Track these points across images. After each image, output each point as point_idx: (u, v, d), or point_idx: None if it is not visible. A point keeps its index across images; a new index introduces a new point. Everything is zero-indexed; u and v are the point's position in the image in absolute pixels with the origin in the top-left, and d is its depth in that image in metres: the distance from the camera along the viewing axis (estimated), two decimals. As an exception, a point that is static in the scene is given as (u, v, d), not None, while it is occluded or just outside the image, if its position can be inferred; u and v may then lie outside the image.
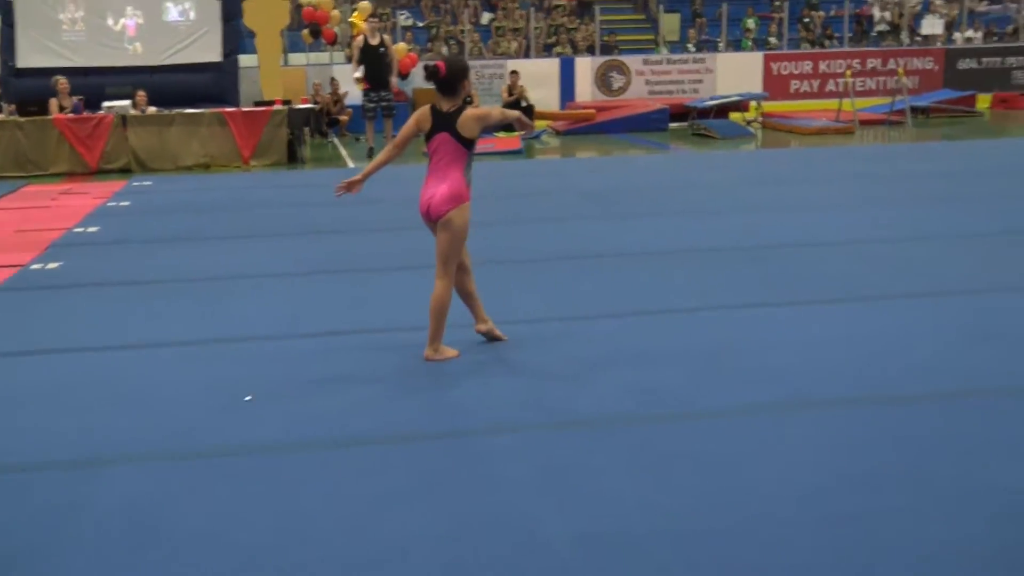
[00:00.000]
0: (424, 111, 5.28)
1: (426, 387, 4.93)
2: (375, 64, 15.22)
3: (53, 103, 14.79)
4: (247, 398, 4.79)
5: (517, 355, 5.36)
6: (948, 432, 4.18)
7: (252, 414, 4.61)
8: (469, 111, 5.18)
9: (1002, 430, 4.18)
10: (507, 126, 17.98)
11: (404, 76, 18.73)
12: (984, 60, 23.22)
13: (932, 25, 23.99)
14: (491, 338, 5.53)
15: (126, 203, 11.15)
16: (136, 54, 17.79)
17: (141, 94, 15.23)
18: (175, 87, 16.68)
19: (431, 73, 5.16)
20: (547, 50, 22.64)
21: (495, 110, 5.40)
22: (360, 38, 15.41)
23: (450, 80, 5.16)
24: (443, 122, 5.19)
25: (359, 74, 15.19)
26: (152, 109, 15.06)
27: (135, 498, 3.77)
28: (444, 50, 22.06)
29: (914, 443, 4.07)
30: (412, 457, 4.10)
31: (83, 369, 5.37)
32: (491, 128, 5.45)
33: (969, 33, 24.24)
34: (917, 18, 24.67)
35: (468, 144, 5.20)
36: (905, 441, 4.08)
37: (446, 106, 5.19)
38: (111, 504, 3.73)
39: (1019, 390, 4.68)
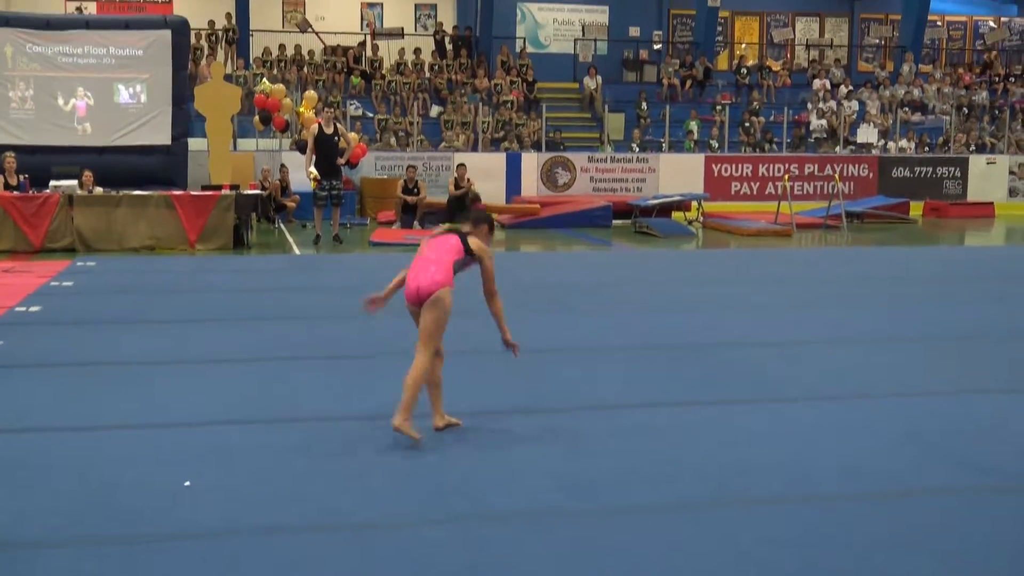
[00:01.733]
0: (442, 228, 5.83)
1: (359, 474, 4.99)
2: (329, 152, 15.41)
3: (-1, 180, 14.79)
4: (186, 483, 4.83)
5: (449, 446, 5.44)
6: (868, 531, 4.33)
7: (191, 499, 4.65)
8: (486, 246, 5.72)
9: (919, 528, 4.34)
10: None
11: (354, 165, 18.94)
12: (916, 169, 24.01)
13: (867, 134, 24.80)
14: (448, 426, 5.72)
15: (69, 283, 11.12)
16: (85, 134, 17.89)
17: (88, 174, 15.27)
18: (123, 168, 16.78)
19: (474, 198, 5.62)
20: (495, 144, 23.03)
21: (492, 265, 5.74)
22: (315, 127, 15.62)
23: (481, 216, 5.85)
24: (458, 231, 5.73)
25: (313, 171, 15.34)
26: (99, 190, 15.08)
27: (72, 581, 3.80)
28: (393, 141, 22.36)
29: (835, 541, 4.21)
30: (345, 546, 4.16)
31: (19, 449, 5.37)
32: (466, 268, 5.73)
33: (903, 143, 25.08)
34: (853, 127, 25.49)
35: (469, 253, 5.64)
36: (827, 539, 4.22)
37: (465, 228, 5.76)
38: (47, 586, 3.75)
39: (937, 490, 4.86)
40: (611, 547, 4.14)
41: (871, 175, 23.62)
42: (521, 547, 4.14)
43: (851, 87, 27.26)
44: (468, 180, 18.80)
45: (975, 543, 4.23)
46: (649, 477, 4.99)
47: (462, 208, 18.66)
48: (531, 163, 22.05)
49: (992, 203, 23.27)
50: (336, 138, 15.55)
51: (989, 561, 4.06)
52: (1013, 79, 29.54)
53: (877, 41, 31.09)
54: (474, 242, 5.67)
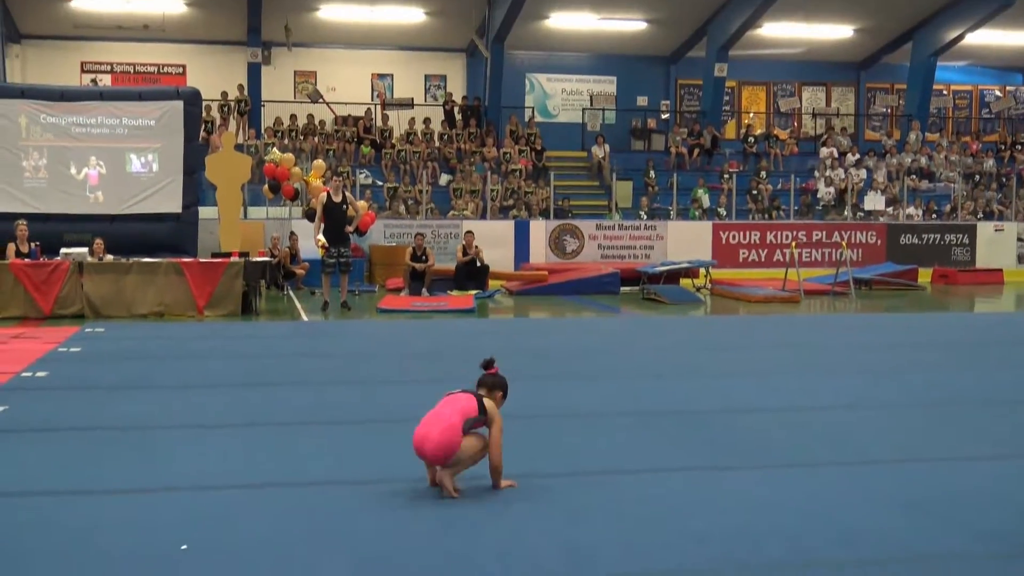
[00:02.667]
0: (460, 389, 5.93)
1: (359, 540, 4.96)
2: (337, 220, 15.54)
3: (11, 247, 14.92)
4: (182, 547, 4.81)
5: (452, 510, 5.42)
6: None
7: (188, 563, 4.63)
8: (497, 414, 5.79)
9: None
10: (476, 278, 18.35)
11: (363, 233, 19.08)
12: (925, 236, 24.07)
13: (875, 201, 24.91)
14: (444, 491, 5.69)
15: (77, 349, 11.18)
16: (97, 203, 18.09)
17: (99, 242, 15.42)
18: (134, 236, 16.95)
19: (487, 364, 6.00)
20: (503, 212, 23.19)
21: (499, 435, 5.76)
22: (323, 195, 15.77)
23: (497, 381, 5.96)
24: (476, 387, 5.89)
25: (322, 239, 15.48)
26: (109, 257, 15.22)
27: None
28: (402, 209, 22.53)
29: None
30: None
31: (20, 514, 5.36)
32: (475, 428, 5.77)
33: (910, 210, 25.16)
34: (860, 194, 25.61)
35: (483, 413, 5.71)
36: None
37: (481, 391, 5.87)
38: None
39: (940, 556, 4.81)
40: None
41: (879, 242, 23.68)
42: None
43: (858, 155, 27.44)
44: (476, 247, 18.93)
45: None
46: (651, 544, 4.95)
47: (470, 276, 18.78)
48: (539, 231, 22.18)
49: (1001, 270, 23.29)
50: (345, 206, 15.68)
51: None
52: (1019, 147, 29.71)
53: (883, 110, 31.38)
54: (489, 404, 5.77)
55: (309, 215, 18.24)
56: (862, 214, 25.00)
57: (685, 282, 20.17)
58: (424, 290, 18.18)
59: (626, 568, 4.65)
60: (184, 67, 27.54)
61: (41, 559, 4.70)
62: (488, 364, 5.97)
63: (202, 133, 21.60)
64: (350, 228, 15.91)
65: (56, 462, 6.41)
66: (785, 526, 5.19)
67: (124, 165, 18.34)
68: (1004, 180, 27.21)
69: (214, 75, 26.20)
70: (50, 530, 5.12)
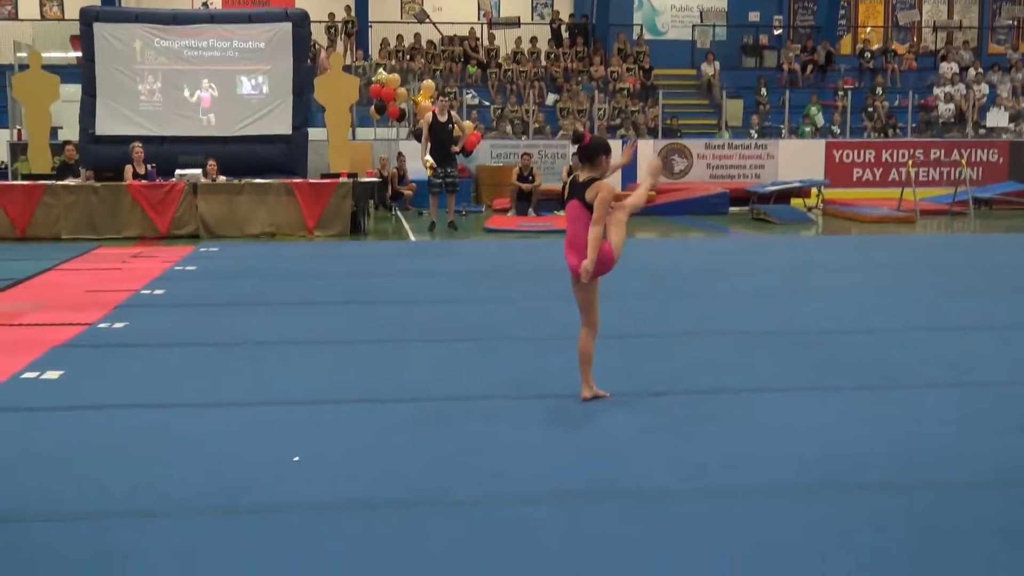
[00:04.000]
0: (568, 180, 5.81)
1: (465, 453, 5.03)
2: (444, 140, 15.56)
3: (128, 170, 15.30)
4: (295, 459, 4.94)
5: (558, 424, 5.45)
6: (981, 520, 4.20)
7: (298, 473, 4.76)
8: (601, 183, 5.64)
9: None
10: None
11: (469, 153, 19.06)
12: (1051, 154, 23.09)
13: (998, 118, 23.95)
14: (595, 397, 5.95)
15: (192, 267, 11.47)
16: (210, 125, 18.36)
17: (212, 163, 15.71)
18: (246, 157, 17.18)
19: (577, 138, 5.74)
20: (611, 132, 22.92)
21: (606, 196, 5.61)
22: (429, 115, 15.78)
23: (589, 151, 5.68)
24: (576, 190, 5.70)
25: (429, 159, 15.49)
26: (222, 178, 15.50)
27: (185, 548, 3.93)
28: (508, 129, 22.45)
29: (946, 529, 4.10)
30: (448, 522, 4.20)
31: (142, 424, 5.57)
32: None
33: (1036, 126, 24.16)
34: (983, 110, 24.66)
35: (591, 208, 5.60)
36: (937, 527, 4.12)
37: (582, 176, 5.70)
38: (160, 553, 3.89)
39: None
40: (717, 529, 4.11)
41: (1001, 160, 22.81)
42: (626, 526, 4.13)
43: (981, 70, 26.37)
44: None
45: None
46: (759, 461, 4.92)
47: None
48: (647, 150, 21.85)
49: None
50: (451, 126, 15.68)
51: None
52: None
53: (1010, 22, 29.99)
54: (591, 192, 5.61)
55: (417, 135, 18.28)
56: (984, 131, 24.08)
57: (796, 202, 19.76)
58: (531, 210, 18.15)
59: (734, 483, 4.63)
60: (293, -12, 27.64)
61: (157, 464, 4.87)
62: (578, 137, 5.75)
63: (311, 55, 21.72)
64: (456, 148, 15.92)
65: (173, 376, 6.62)
66: (896, 447, 5.11)
67: (235, 87, 18.54)
68: None
69: (322, -4, 26.27)
70: (167, 438, 5.30)
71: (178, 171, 15.31)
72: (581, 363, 5.89)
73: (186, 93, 18.46)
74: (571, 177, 5.79)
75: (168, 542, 3.99)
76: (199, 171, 15.37)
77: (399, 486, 4.61)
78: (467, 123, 18.15)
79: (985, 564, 3.80)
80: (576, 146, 5.74)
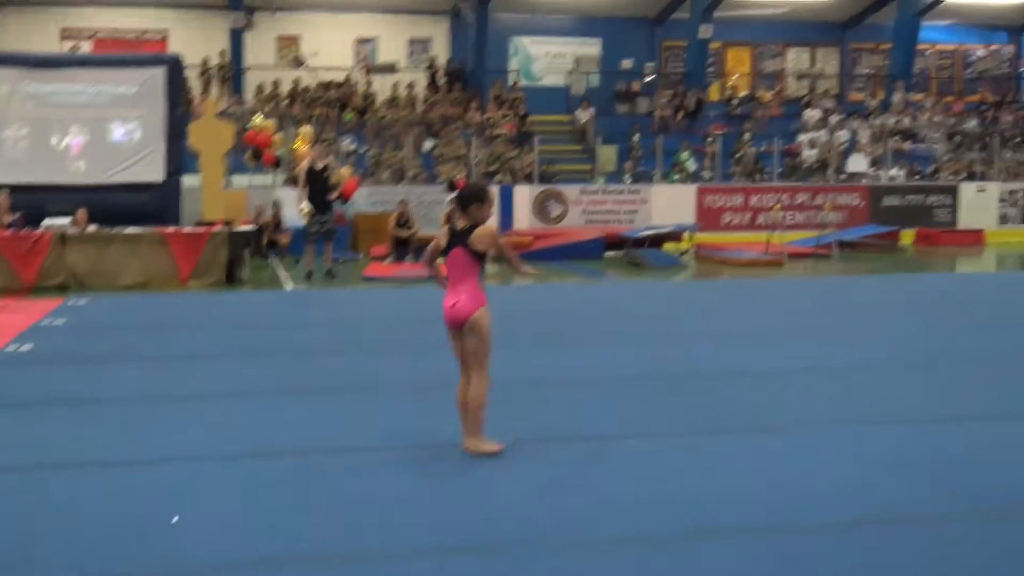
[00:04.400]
0: (444, 231, 5.89)
1: (347, 507, 5.02)
2: (321, 187, 15.50)
3: (-8, 219, 14.86)
4: (174, 519, 4.86)
5: (441, 476, 5.47)
6: (859, 558, 4.35)
7: (179, 534, 4.68)
8: (482, 228, 5.77)
9: (913, 554, 4.37)
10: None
11: (346, 200, 19.02)
12: (907, 197, 24.12)
13: (858, 163, 24.95)
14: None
15: (62, 321, 11.16)
16: (79, 172, 17.95)
17: (82, 212, 15.34)
18: (117, 206, 16.82)
19: (451, 186, 5.96)
20: (488, 177, 23.14)
21: (503, 239, 5.91)
22: (306, 162, 15.72)
23: (461, 200, 5.80)
24: (457, 238, 5.79)
25: (305, 207, 15.41)
26: (93, 227, 15.15)
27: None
28: (386, 176, 22.48)
29: (826, 570, 4.24)
30: (334, 581, 4.20)
31: (11, 487, 5.40)
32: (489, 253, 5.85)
33: (893, 171, 25.21)
34: (844, 156, 25.64)
35: (481, 257, 5.80)
36: (817, 569, 4.26)
37: (461, 223, 5.80)
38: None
39: (929, 516, 4.89)
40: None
41: (862, 204, 23.73)
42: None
43: (842, 116, 27.45)
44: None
45: (971, 568, 4.26)
46: (636, 507, 5.02)
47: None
48: (524, 196, 22.16)
49: (982, 230, 23.38)
50: (327, 173, 15.64)
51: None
52: (1002, 107, 29.75)
53: (868, 70, 31.34)
54: (476, 237, 5.75)
55: (294, 181, 18.18)
56: (845, 176, 25.04)
57: (669, 246, 20.22)
58: (409, 257, 18.19)
59: (615, 531, 4.71)
60: (166, 32, 27.33)
61: (33, 530, 4.73)
62: (452, 185, 5.93)
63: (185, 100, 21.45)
64: (334, 195, 15.89)
65: (44, 436, 6.43)
66: (773, 488, 5.26)
67: (106, 134, 18.18)
68: (986, 140, 27.27)
69: (196, 41, 26.00)
70: (39, 501, 5.15)
71: (46, 220, 14.92)
72: (472, 414, 5.85)
73: (54, 139, 18.03)
74: (449, 225, 5.88)
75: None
76: (68, 220, 14.99)
77: (281, 543, 4.58)
78: (345, 169, 18.14)
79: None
80: (452, 191, 5.91)
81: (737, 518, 4.90)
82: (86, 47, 26.36)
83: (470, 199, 5.81)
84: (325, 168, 15.61)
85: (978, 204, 24.49)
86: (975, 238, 22.94)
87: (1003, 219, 24.71)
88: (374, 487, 5.36)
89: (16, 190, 16.16)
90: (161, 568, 4.32)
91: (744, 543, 4.59)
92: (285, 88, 25.59)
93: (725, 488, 5.32)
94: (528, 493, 5.25)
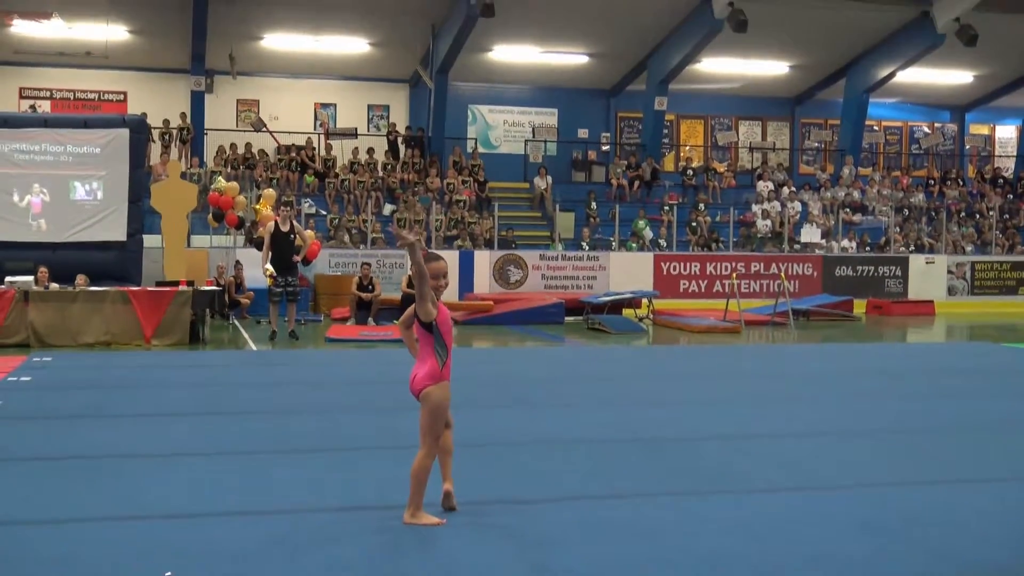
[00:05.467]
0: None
1: (335, 566, 5.06)
2: (285, 250, 15.57)
3: (-47, 276, 14.75)
4: (167, 574, 4.88)
5: (418, 536, 5.52)
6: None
7: (172, 589, 4.70)
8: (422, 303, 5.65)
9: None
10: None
11: (309, 262, 19.10)
12: (859, 268, 24.67)
13: (810, 234, 25.48)
14: (446, 505, 5.93)
15: (27, 378, 11.09)
16: (40, 231, 17.89)
17: (43, 270, 15.29)
18: (78, 264, 16.74)
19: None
20: (447, 242, 23.34)
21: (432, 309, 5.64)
22: (271, 224, 15.80)
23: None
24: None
25: (270, 268, 15.46)
26: (55, 285, 15.09)
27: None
28: (347, 239, 22.60)
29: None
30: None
31: (-4, 543, 5.39)
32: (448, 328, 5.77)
33: (845, 243, 25.76)
34: (796, 227, 26.17)
35: (429, 328, 5.68)
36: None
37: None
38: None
39: (899, 578, 5.04)
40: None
41: (815, 274, 24.21)
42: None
43: (793, 188, 28.05)
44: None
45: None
46: (613, 567, 5.09)
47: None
48: (483, 261, 22.37)
49: (932, 301, 23.92)
50: (292, 235, 15.73)
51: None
52: (948, 182, 30.56)
53: (817, 144, 32.09)
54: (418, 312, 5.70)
55: (257, 243, 18.23)
56: (798, 246, 25.55)
57: (628, 312, 20.46)
58: (371, 319, 18.25)
59: (600, 590, 4.80)
60: (125, 94, 27.40)
61: (22, 586, 4.74)
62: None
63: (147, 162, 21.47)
64: (298, 257, 15.96)
65: (20, 492, 6.41)
66: (748, 551, 5.38)
67: (68, 193, 18.17)
68: (933, 214, 27.99)
69: (156, 102, 26.09)
70: (22, 556, 5.14)
71: (8, 278, 14.83)
72: (412, 484, 5.70)
73: (15, 197, 17.98)
74: (407, 304, 5.94)
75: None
76: (31, 278, 14.92)
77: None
78: (308, 232, 18.23)
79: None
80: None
81: None
82: (45, 107, 26.34)
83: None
84: (290, 231, 15.69)
85: (927, 275, 25.10)
86: (925, 309, 23.46)
87: (951, 291, 25.31)
88: (355, 546, 5.40)
89: (-25, 247, 16.07)
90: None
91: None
92: (243, 151, 25.68)
93: (705, 548, 5.40)
94: (505, 554, 5.31)
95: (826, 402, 10.39)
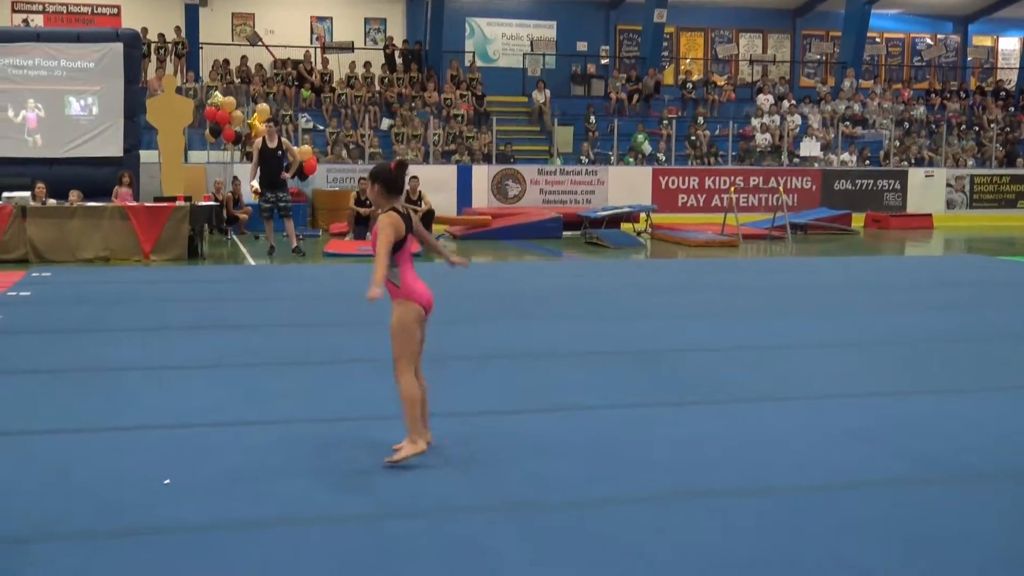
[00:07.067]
0: (394, 217, 5.30)
1: (331, 472, 5.17)
2: (272, 166, 15.53)
3: (-51, 192, 14.75)
4: (165, 481, 4.99)
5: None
6: (821, 520, 4.60)
7: (171, 496, 4.81)
8: (381, 217, 5.35)
9: (869, 516, 4.62)
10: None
11: (306, 177, 19.06)
12: (858, 182, 24.60)
13: (810, 147, 25.36)
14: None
15: (27, 293, 11.16)
16: (36, 146, 17.85)
17: (41, 186, 15.28)
18: (74, 180, 16.72)
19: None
20: (446, 157, 23.26)
21: (384, 233, 5.30)
22: (258, 140, 15.75)
23: (370, 176, 5.49)
24: (409, 224, 5.39)
25: (255, 184, 15.46)
26: (52, 201, 15.09)
27: (71, 573, 3.96)
28: (344, 154, 22.53)
29: (791, 529, 4.48)
30: (322, 537, 4.35)
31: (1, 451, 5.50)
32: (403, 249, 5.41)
33: (844, 156, 25.66)
34: (796, 140, 26.05)
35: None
36: (783, 527, 4.49)
37: (403, 209, 5.39)
38: (41, 577, 3.92)
39: (885, 481, 5.15)
40: (583, 536, 4.37)
41: (814, 187, 24.16)
42: (493, 537, 4.36)
43: (794, 102, 27.85)
44: (420, 192, 18.98)
45: (922, 529, 4.51)
46: (613, 473, 5.22)
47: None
48: (482, 175, 22.31)
49: (931, 215, 23.92)
50: (280, 151, 15.65)
51: (935, 546, 4.34)
52: (948, 95, 30.33)
53: (818, 57, 31.77)
54: (415, 225, 5.44)
55: (252, 158, 18.18)
56: (797, 160, 25.45)
57: (626, 227, 20.48)
58: (368, 234, 18.25)
59: (589, 495, 4.92)
60: (119, 8, 27.01)
61: (24, 491, 4.84)
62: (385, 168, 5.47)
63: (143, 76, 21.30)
64: (287, 174, 15.93)
65: (25, 403, 6.52)
66: (738, 456, 5.50)
67: (63, 108, 18.07)
68: (934, 127, 27.83)
69: (149, 17, 25.76)
70: (30, 464, 5.26)
71: (5, 194, 14.82)
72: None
73: (10, 113, 17.90)
74: (400, 213, 5.34)
75: (51, 567, 4.02)
76: (28, 194, 14.92)
77: (272, 505, 4.73)
78: (305, 147, 18.16)
79: (826, 560, 4.18)
80: (390, 178, 5.43)
81: (712, 481, 5.13)
82: (38, 21, 26.03)
83: (377, 178, 5.44)
84: (278, 147, 15.62)
85: (926, 189, 25.05)
86: (923, 222, 23.46)
87: (950, 204, 25.28)
88: (356, 454, 5.51)
89: (-30, 163, 16.04)
90: (158, 523, 4.45)
91: (721, 503, 4.81)
92: (240, 65, 25.46)
93: (698, 454, 5.54)
94: (505, 460, 5.42)
95: (820, 315, 10.48)
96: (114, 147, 18.02)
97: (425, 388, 5.46)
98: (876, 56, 31.94)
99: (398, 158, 5.59)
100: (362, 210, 18.38)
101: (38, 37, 18.71)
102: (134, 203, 15.56)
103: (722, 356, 8.22)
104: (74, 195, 15.55)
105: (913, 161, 26.16)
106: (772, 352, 8.45)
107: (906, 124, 27.79)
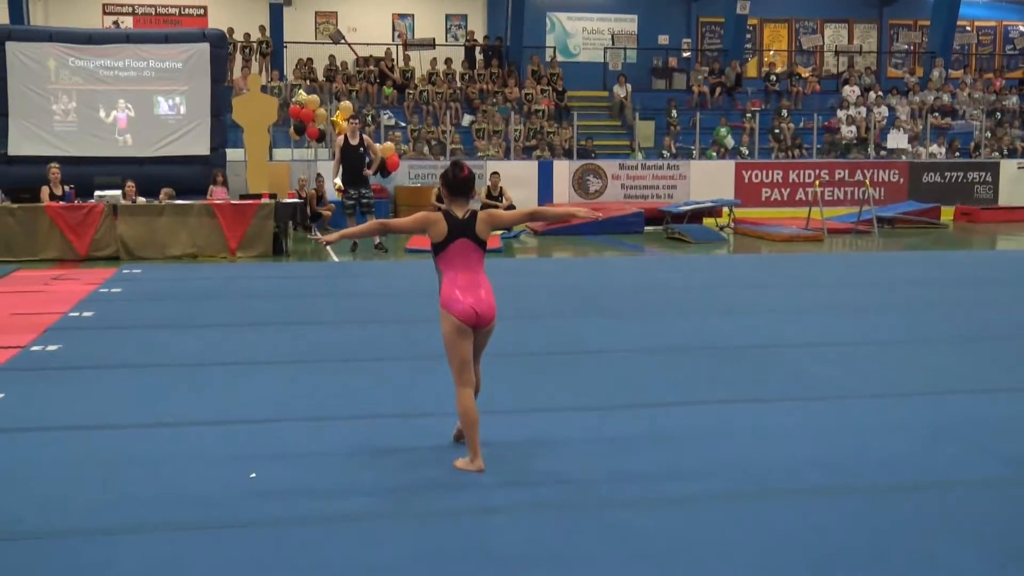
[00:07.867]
0: (434, 215, 5.27)
1: (414, 466, 5.20)
2: (354, 163, 15.72)
3: (45, 191, 15.14)
4: (251, 475, 5.06)
5: (504, 444, 5.64)
6: (907, 519, 4.50)
7: (258, 489, 4.88)
8: (491, 211, 5.42)
9: (956, 516, 4.51)
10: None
11: (388, 174, 19.20)
12: (947, 174, 24.07)
13: (897, 139, 24.86)
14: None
15: (118, 289, 11.42)
16: (126, 145, 18.24)
17: (131, 184, 15.62)
18: (163, 178, 17.06)
19: (456, 170, 5.28)
20: (526, 152, 23.26)
21: (503, 214, 5.56)
22: (341, 138, 15.93)
23: (470, 184, 5.29)
24: (462, 228, 5.21)
25: (338, 182, 15.66)
26: (142, 199, 15.43)
27: (159, 564, 4.05)
28: (426, 150, 22.66)
29: (875, 528, 4.39)
30: (408, 532, 4.38)
31: (94, 445, 5.62)
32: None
33: (933, 148, 25.12)
34: (883, 132, 25.56)
35: (484, 245, 5.33)
36: (868, 526, 4.41)
37: (460, 212, 5.24)
38: (133, 569, 4.00)
39: (974, 482, 5.03)
40: (662, 533, 4.34)
41: (902, 180, 23.70)
42: (574, 534, 4.35)
43: (880, 93, 27.33)
44: (501, 188, 19.04)
45: (1017, 533, 4.39)
46: (695, 470, 5.18)
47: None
48: (563, 171, 22.28)
49: (1024, 208, 23.30)
50: (362, 148, 15.82)
51: (1026, 546, 4.23)
52: (1043, 84, 29.53)
53: (906, 47, 31.13)
54: (487, 225, 5.28)
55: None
56: (884, 152, 24.98)
57: (708, 221, 20.27)
58: (451, 230, 18.32)
59: (675, 492, 4.88)
60: (205, 8, 27.53)
61: (115, 484, 4.95)
62: (458, 169, 5.28)
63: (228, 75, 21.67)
64: (369, 171, 16.08)
65: (115, 398, 6.67)
66: (822, 454, 5.41)
67: (152, 108, 18.46)
68: (1027, 117, 27.11)
69: (235, 17, 26.20)
70: (120, 458, 5.37)
71: (97, 192, 15.18)
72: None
73: (101, 113, 18.33)
74: (445, 215, 5.20)
75: (140, 558, 4.10)
76: (119, 192, 15.27)
77: (355, 500, 4.77)
78: (387, 144, 18.31)
79: (914, 558, 4.09)
80: (448, 179, 5.26)
81: (794, 480, 5.05)
82: (127, 23, 26.60)
83: (445, 183, 5.29)
84: (360, 144, 15.79)
85: (1019, 181, 24.41)
86: (1016, 215, 22.84)
87: (1044, 196, 24.60)
88: (442, 450, 5.53)
89: (64, 162, 16.43)
90: (247, 517, 4.52)
91: (804, 502, 4.74)
92: (323, 64, 25.74)
93: (781, 452, 5.47)
94: (587, 456, 5.41)
95: (907, 310, 10.27)
96: (201, 145, 18.35)
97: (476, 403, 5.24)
98: (966, 45, 31.16)
99: (454, 159, 5.39)
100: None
101: (127, 39, 19.11)
102: (225, 201, 15.84)
103: (807, 352, 8.10)
104: (164, 193, 15.86)
105: (1005, 152, 25.51)
106: (858, 348, 8.30)
107: (998, 114, 27.11)
